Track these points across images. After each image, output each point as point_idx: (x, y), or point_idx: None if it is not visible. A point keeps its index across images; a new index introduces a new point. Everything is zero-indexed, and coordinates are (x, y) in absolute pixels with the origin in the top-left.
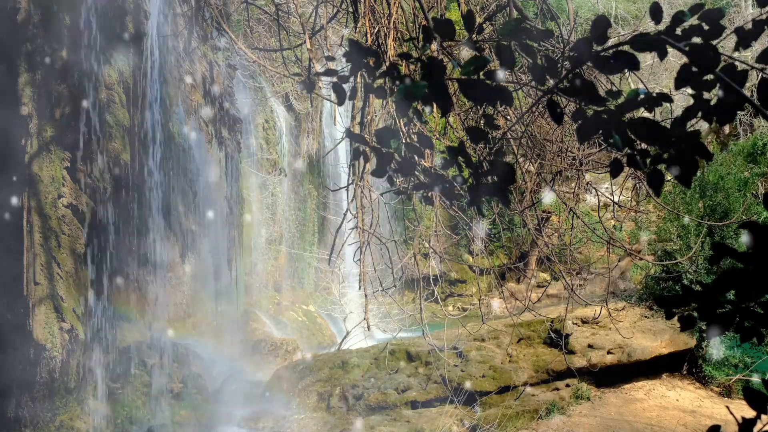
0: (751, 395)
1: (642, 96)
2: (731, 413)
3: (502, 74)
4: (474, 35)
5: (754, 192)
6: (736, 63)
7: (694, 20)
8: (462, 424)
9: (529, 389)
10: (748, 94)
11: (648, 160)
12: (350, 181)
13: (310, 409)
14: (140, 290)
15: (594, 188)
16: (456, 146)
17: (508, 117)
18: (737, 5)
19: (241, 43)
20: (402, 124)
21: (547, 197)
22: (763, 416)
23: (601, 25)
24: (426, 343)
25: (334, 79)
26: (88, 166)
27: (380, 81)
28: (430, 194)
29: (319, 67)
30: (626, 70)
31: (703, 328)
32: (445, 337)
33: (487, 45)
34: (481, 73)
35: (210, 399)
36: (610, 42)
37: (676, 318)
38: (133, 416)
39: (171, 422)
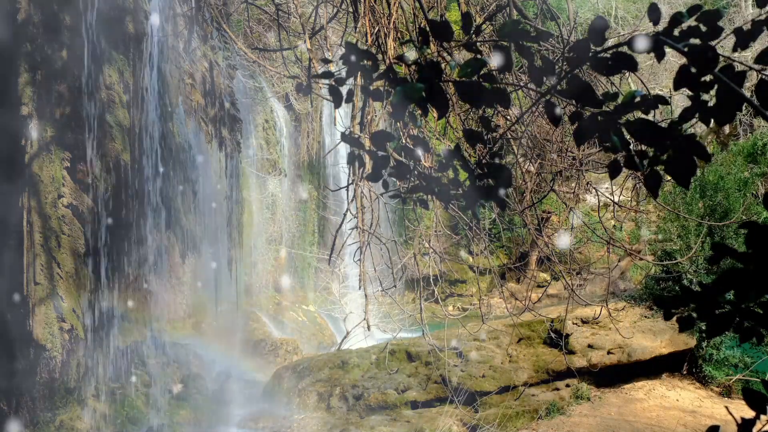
0: (750, 395)
1: (639, 98)
2: (730, 413)
3: (498, 77)
4: (472, 36)
5: (754, 192)
6: (735, 63)
7: (692, 21)
8: (462, 424)
9: (529, 389)
10: (747, 94)
11: (646, 162)
12: (350, 181)
13: (310, 409)
14: (140, 290)
15: (594, 188)
16: (452, 149)
17: (508, 117)
18: (737, 5)
19: (241, 43)
20: (401, 125)
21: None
22: (763, 416)
23: (600, 26)
24: (426, 343)
25: (332, 82)
26: (88, 166)
27: (378, 83)
28: (427, 197)
29: (318, 68)
30: (625, 71)
31: (703, 328)
32: (445, 337)
33: (486, 46)
34: (479, 75)
35: (210, 399)
36: (609, 43)
37: (675, 318)
38: (133, 416)
39: (171, 422)
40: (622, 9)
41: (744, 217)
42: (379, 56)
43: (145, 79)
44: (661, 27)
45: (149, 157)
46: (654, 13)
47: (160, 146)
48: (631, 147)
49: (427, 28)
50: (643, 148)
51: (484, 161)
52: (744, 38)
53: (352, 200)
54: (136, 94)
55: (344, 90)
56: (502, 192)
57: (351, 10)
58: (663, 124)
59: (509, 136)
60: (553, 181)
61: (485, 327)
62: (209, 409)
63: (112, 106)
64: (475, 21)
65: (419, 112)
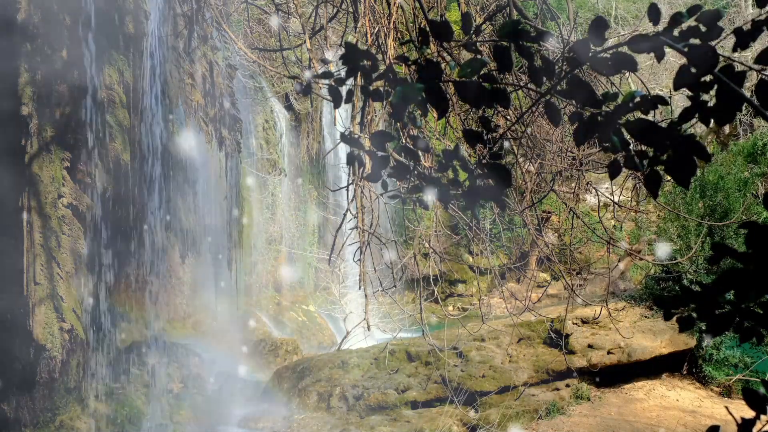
0: (750, 395)
1: (638, 98)
2: (731, 413)
3: (497, 77)
4: (472, 37)
5: (754, 192)
6: (735, 63)
7: (692, 21)
8: (462, 424)
9: (529, 389)
10: (747, 94)
11: (646, 162)
12: (350, 181)
13: (310, 409)
14: (140, 290)
15: (594, 188)
16: (451, 149)
17: (508, 117)
18: (737, 5)
19: (241, 43)
20: (401, 125)
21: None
22: (763, 416)
23: (599, 26)
24: (426, 343)
25: (332, 82)
26: (88, 166)
27: (378, 83)
28: (426, 197)
29: (318, 68)
30: (625, 71)
31: (703, 328)
32: (445, 337)
33: (486, 46)
34: (479, 75)
35: (210, 399)
36: (609, 43)
37: (675, 318)
38: (133, 416)
39: (171, 422)
40: (622, 9)
41: (744, 217)
42: (379, 56)
43: (145, 79)
44: (661, 27)
45: (149, 157)
46: (654, 13)
47: (160, 146)
48: (631, 147)
49: (427, 28)
50: (643, 148)
51: (484, 161)
52: (744, 38)
53: (352, 200)
54: (136, 94)
55: (344, 90)
56: (502, 192)
57: (351, 10)
58: (663, 124)
59: (509, 136)
60: (553, 181)
61: (485, 327)
62: (209, 409)
63: (112, 106)
64: (475, 21)
65: (419, 112)
